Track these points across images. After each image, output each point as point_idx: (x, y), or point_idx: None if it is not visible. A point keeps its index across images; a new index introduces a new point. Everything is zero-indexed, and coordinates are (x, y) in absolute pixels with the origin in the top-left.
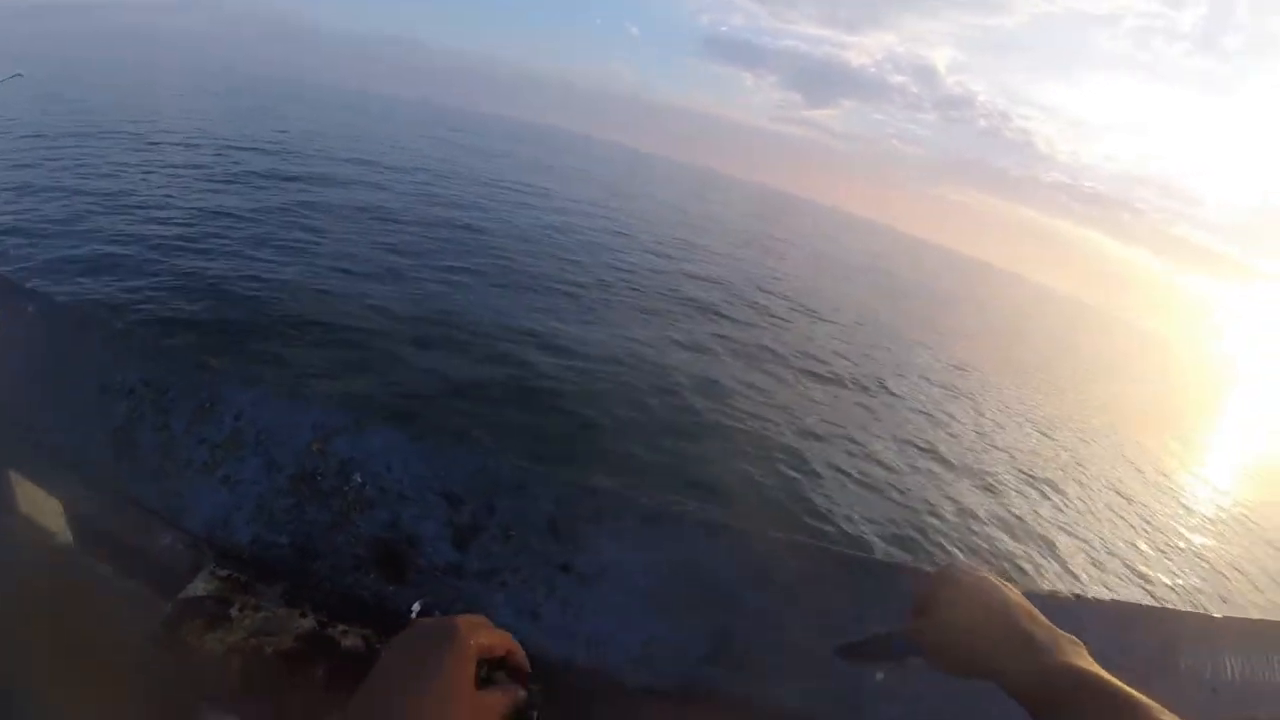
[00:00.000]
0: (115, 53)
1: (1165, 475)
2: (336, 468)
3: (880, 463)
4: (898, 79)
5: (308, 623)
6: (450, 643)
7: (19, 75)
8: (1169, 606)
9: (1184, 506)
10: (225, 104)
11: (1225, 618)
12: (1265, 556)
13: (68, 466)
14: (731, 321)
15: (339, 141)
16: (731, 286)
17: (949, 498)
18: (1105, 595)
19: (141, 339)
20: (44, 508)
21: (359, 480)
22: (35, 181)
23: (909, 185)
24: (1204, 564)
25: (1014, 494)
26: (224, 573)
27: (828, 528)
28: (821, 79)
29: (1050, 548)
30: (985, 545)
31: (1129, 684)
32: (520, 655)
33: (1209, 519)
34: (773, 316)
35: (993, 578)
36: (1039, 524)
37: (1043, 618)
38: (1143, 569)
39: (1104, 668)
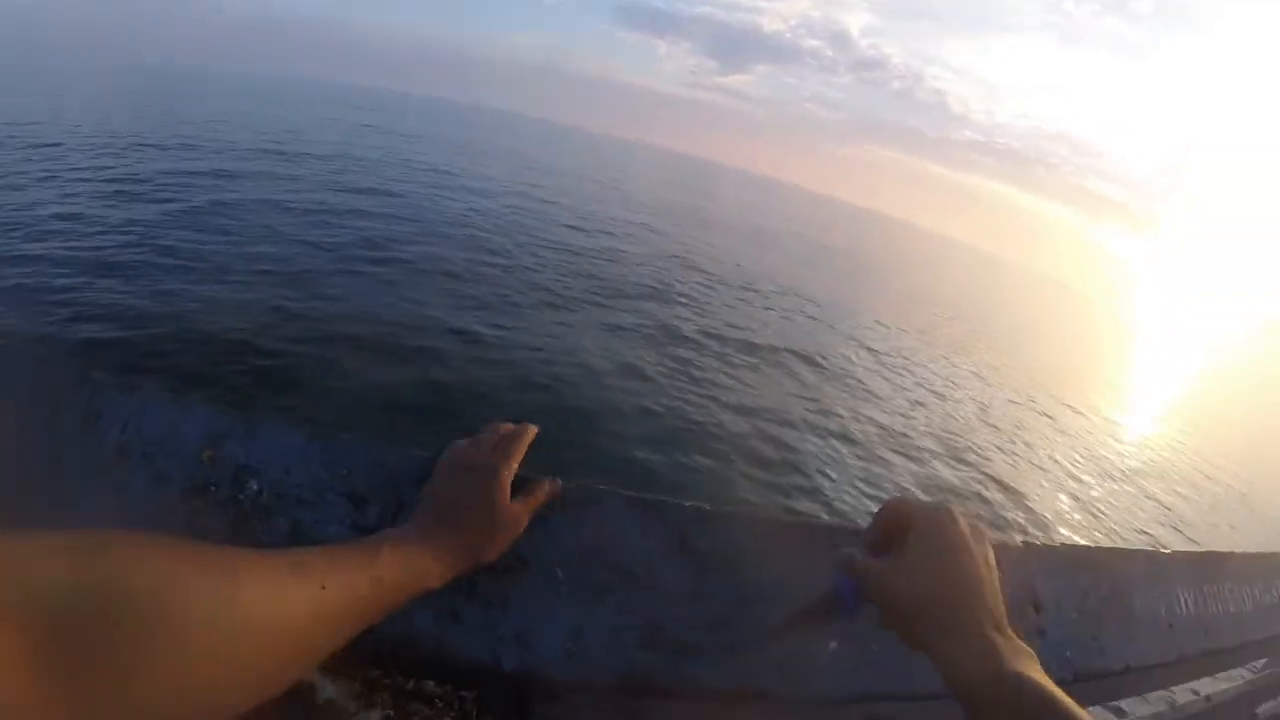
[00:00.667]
0: None
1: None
2: (231, 475)
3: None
4: (812, 43)
5: None
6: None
7: None
8: (1118, 546)
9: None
10: (120, 96)
11: (1174, 552)
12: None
13: None
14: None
15: (244, 133)
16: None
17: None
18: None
19: (19, 353)
20: None
21: (255, 487)
22: None
23: (821, 147)
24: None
25: (937, 461)
26: None
27: (755, 499)
28: (736, 45)
29: (985, 502)
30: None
31: (1086, 628)
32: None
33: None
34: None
35: (959, 520)
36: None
37: (999, 599)
38: (1075, 516)
39: (1059, 614)
